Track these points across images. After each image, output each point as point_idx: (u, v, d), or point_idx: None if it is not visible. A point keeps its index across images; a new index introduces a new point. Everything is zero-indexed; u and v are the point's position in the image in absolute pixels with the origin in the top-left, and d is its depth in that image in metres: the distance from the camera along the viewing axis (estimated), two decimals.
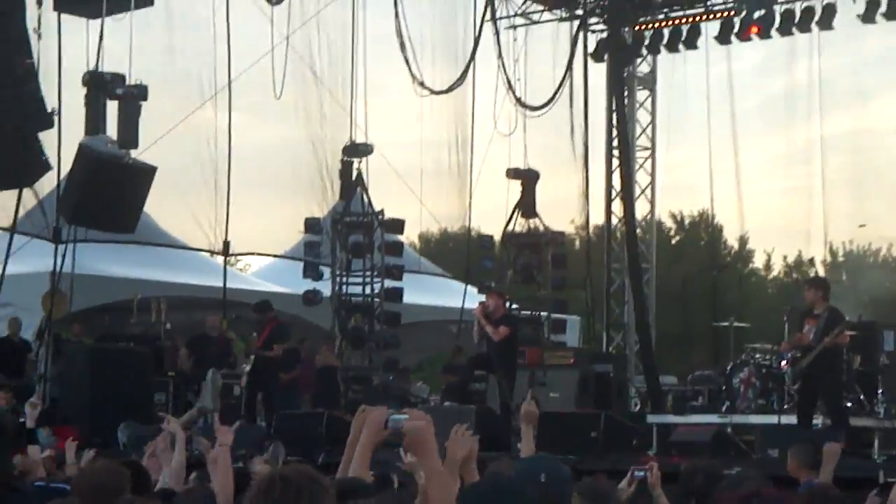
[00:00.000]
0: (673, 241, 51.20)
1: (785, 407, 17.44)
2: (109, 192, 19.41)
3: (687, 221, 52.05)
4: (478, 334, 18.48)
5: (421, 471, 5.27)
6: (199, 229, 23.47)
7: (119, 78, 19.78)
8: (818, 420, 16.61)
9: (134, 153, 20.04)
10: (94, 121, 19.68)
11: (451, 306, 25.75)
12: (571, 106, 26.47)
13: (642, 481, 7.95)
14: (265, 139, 30.26)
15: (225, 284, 23.14)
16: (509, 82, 25.84)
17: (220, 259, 24.27)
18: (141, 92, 19.84)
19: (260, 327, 21.06)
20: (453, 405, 18.74)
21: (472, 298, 23.06)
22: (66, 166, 20.08)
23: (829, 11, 24.31)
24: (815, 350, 15.75)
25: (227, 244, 23.51)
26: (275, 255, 28.80)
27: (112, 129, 19.68)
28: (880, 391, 18.07)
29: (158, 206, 23.35)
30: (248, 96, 24.82)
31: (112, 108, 19.73)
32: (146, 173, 19.98)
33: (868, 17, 23.82)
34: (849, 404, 17.30)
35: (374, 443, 6.02)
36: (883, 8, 23.63)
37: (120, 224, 20.62)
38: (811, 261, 21.99)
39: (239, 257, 27.96)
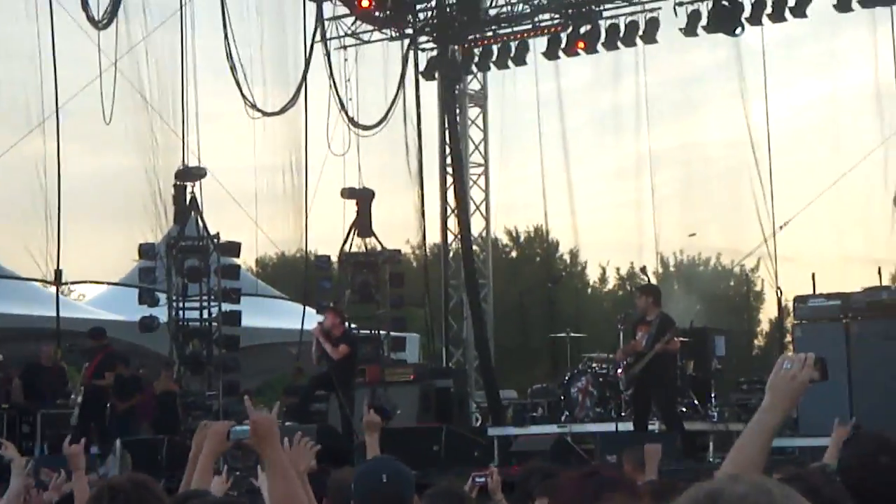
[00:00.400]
0: (509, 257, 51.71)
1: (622, 414, 17.74)
2: None
3: (522, 237, 52.61)
4: (316, 353, 18.50)
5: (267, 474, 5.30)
6: (31, 259, 23.05)
7: None
8: (654, 425, 16.94)
9: None
10: None
11: (290, 328, 25.67)
12: (405, 124, 26.62)
13: (483, 487, 8.03)
14: (96, 166, 29.89)
15: (58, 313, 22.74)
16: (341, 102, 25.88)
17: (52, 288, 23.86)
18: None
19: (90, 356, 20.79)
20: (294, 424, 18.68)
21: (311, 319, 23.00)
22: None
23: (653, 25, 24.81)
24: (647, 356, 16.07)
25: (58, 273, 23.12)
26: (108, 283, 28.41)
27: None
28: (713, 395, 18.51)
29: None
30: (78, 123, 24.51)
31: None
32: None
33: (690, 30, 24.37)
34: (683, 409, 17.67)
35: (217, 453, 6.06)
36: (703, 21, 24.19)
37: None
38: (644, 269, 22.29)
39: (73, 286, 27.55)
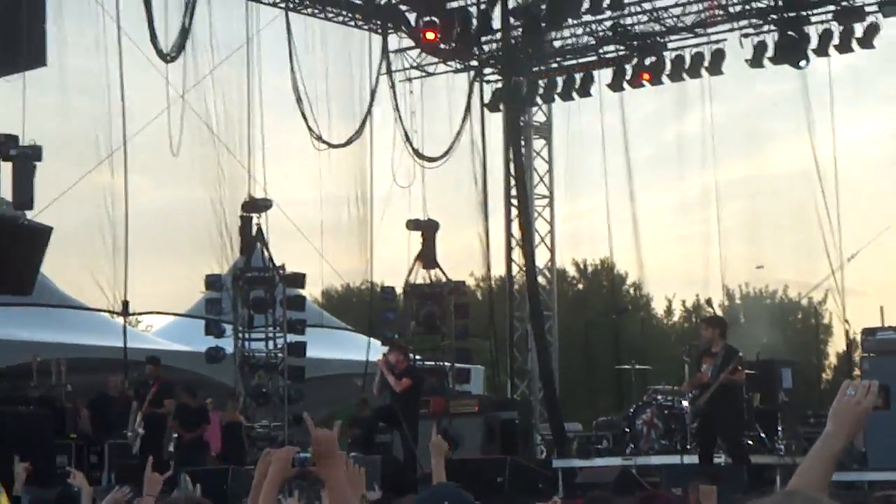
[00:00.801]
0: (575, 289, 51.61)
1: (688, 447, 17.60)
2: (5, 255, 19.20)
3: (588, 269, 52.51)
4: (378, 386, 18.55)
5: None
6: (98, 290, 23.25)
7: (12, 139, 19.61)
8: (720, 458, 16.81)
9: (29, 214, 19.87)
10: None
11: (355, 359, 25.73)
12: (471, 156, 26.67)
13: None
14: (163, 198, 30.16)
15: (125, 344, 22.93)
16: (406, 134, 25.99)
17: (120, 319, 24.05)
18: (35, 153, 19.67)
19: (145, 387, 20.95)
20: (359, 455, 18.72)
21: (376, 351, 23.08)
22: None
23: (718, 57, 24.76)
24: (712, 387, 15.94)
25: (126, 304, 23.30)
26: (175, 314, 28.60)
27: (6, 191, 19.51)
28: (780, 428, 18.34)
29: (56, 268, 23.15)
30: (145, 156, 24.72)
31: (6, 169, 19.55)
32: (42, 234, 19.81)
33: (756, 61, 24.29)
34: (749, 442, 17.52)
35: (281, 480, 6.08)
36: (769, 52, 24.10)
37: (16, 286, 20.39)
38: (709, 301, 22.21)
39: (140, 317, 27.75)
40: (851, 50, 23.77)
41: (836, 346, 45.84)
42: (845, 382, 4.19)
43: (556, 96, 26.71)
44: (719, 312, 25.12)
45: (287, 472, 5.96)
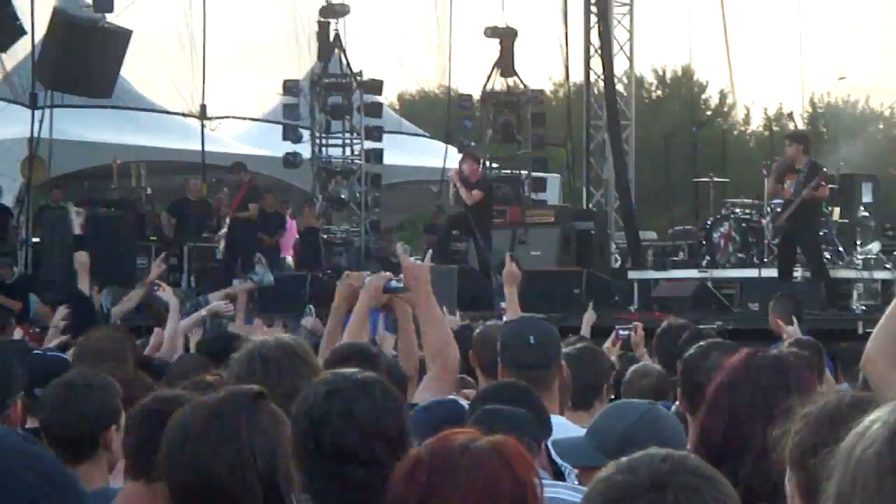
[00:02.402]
0: (653, 97, 51.10)
1: (765, 260, 17.53)
2: (85, 57, 19.24)
3: (668, 77, 51.89)
4: (454, 197, 18.56)
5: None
6: (177, 93, 23.32)
7: None
8: (798, 273, 16.76)
9: (109, 17, 19.84)
10: None
11: (431, 166, 25.74)
12: None
13: (626, 340, 8.04)
14: (242, 3, 29.96)
15: (203, 147, 23.04)
16: None
17: (197, 123, 24.15)
18: None
19: (234, 190, 21.07)
20: (435, 265, 18.82)
21: (453, 158, 23.05)
22: (41, 31, 19.88)
23: None
24: (794, 203, 15.78)
25: (203, 107, 23.41)
26: (252, 119, 28.66)
27: None
28: (859, 243, 18.21)
29: (135, 71, 23.19)
30: None
31: None
32: (122, 37, 19.82)
33: None
34: (828, 256, 17.43)
35: (369, 306, 6.13)
36: None
37: (97, 88, 20.49)
38: (791, 114, 21.84)
39: (218, 121, 27.82)
40: None
41: None
42: None
43: None
44: (801, 125, 24.72)
45: (378, 299, 6.00)
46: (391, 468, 2.91)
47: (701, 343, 5.06)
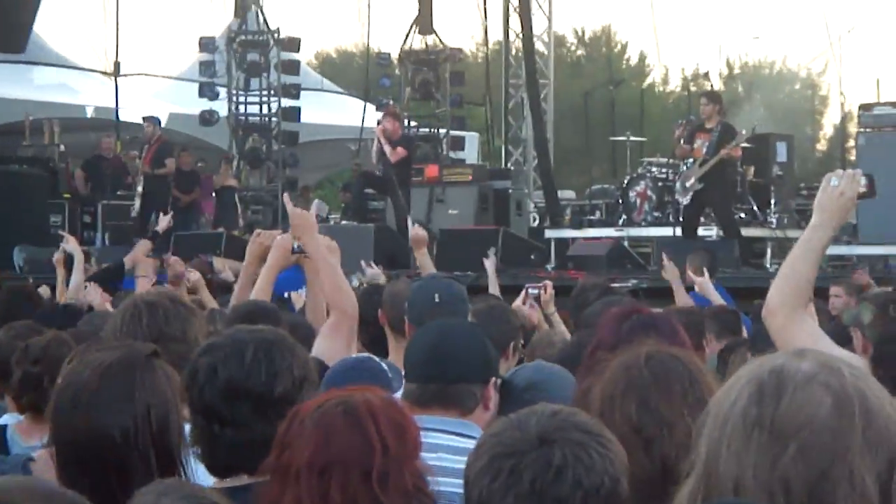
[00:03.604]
0: (573, 57, 51.20)
1: (680, 220, 17.63)
2: None
3: (588, 37, 52.01)
4: (377, 155, 18.49)
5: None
6: (91, 49, 23.04)
7: None
8: (711, 231, 16.88)
9: None
10: None
11: (350, 125, 25.64)
12: None
13: (536, 299, 8.02)
14: None
15: (117, 104, 22.74)
16: None
17: (111, 80, 23.86)
18: None
19: (144, 146, 20.84)
20: (352, 224, 18.80)
21: (371, 117, 22.98)
22: None
23: None
24: (709, 162, 15.87)
25: (117, 65, 23.11)
26: (167, 77, 28.38)
27: None
28: (773, 202, 18.37)
29: (48, 26, 22.87)
30: None
31: None
32: None
33: None
34: (742, 215, 17.57)
35: (280, 267, 6.11)
36: None
37: (9, 44, 20.18)
38: (707, 74, 22.00)
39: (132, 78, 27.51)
40: None
41: (832, 118, 45.79)
42: (828, 174, 4.18)
43: None
44: (718, 83, 24.91)
45: (286, 258, 6.00)
46: (261, 429, 2.99)
47: (596, 302, 5.07)
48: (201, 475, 3.24)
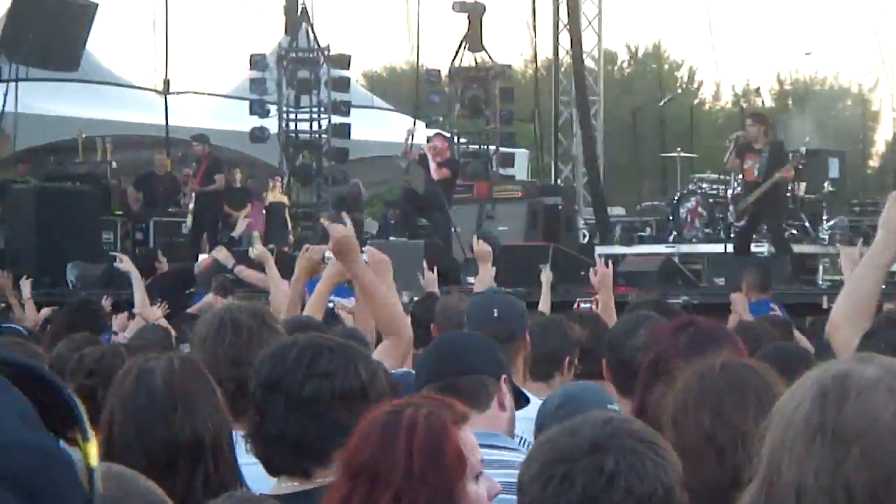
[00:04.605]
0: (623, 73, 51.14)
1: (731, 236, 17.56)
2: (51, 30, 19.14)
3: (640, 53, 51.94)
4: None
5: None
6: (142, 67, 23.21)
7: None
8: (763, 247, 16.79)
9: None
10: None
11: (399, 141, 25.59)
12: None
13: (589, 311, 8.00)
14: None
15: (167, 122, 22.87)
16: None
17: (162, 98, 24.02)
18: None
19: (195, 163, 20.95)
20: (402, 240, 18.81)
21: (421, 133, 23.01)
22: (5, 3, 19.74)
23: None
24: (761, 188, 15.72)
25: (167, 82, 23.27)
26: (217, 94, 28.53)
27: None
28: (825, 218, 18.26)
29: (101, 44, 23.07)
30: None
31: None
32: (88, 10, 19.72)
33: None
34: (794, 231, 17.47)
35: (334, 282, 6.11)
36: None
37: (63, 61, 20.39)
38: (758, 90, 21.94)
39: (184, 95, 27.68)
40: None
41: (884, 133, 45.48)
42: (893, 193, 4.15)
43: None
44: (769, 100, 24.81)
45: (340, 274, 5.98)
46: (295, 426, 3.15)
47: (627, 317, 5.04)
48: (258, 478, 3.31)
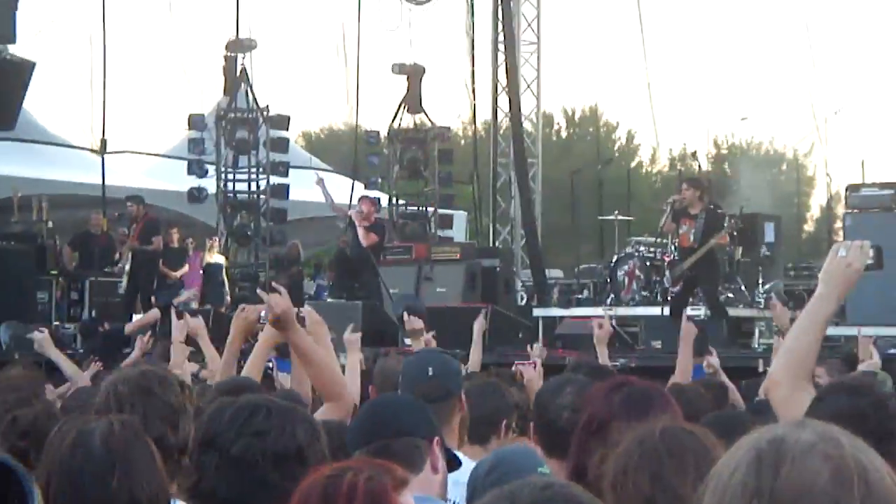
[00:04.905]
0: (561, 137, 51.45)
1: (668, 299, 17.63)
2: None
3: (577, 116, 52.29)
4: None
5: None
6: (79, 126, 23.13)
7: None
8: (700, 311, 16.86)
9: (11, 48, 19.60)
10: None
11: (338, 202, 25.63)
12: None
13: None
14: (147, 38, 29.84)
15: (104, 182, 22.73)
16: None
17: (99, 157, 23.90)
18: None
19: (130, 223, 20.85)
20: (339, 301, 18.78)
21: (359, 195, 23.05)
22: None
23: None
24: (698, 252, 15.81)
25: (104, 142, 23.17)
26: (155, 154, 28.45)
27: None
28: (761, 281, 18.39)
29: (37, 103, 22.93)
30: None
31: None
32: (25, 68, 19.56)
33: None
34: (730, 295, 17.57)
35: (271, 343, 6.06)
36: None
37: None
38: (694, 154, 22.12)
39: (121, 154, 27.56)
40: None
41: (819, 198, 45.98)
42: (836, 244, 4.16)
43: None
44: (705, 163, 25.03)
45: (253, 329, 5.95)
46: (227, 484, 3.10)
47: (554, 378, 5.02)
48: None
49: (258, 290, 5.86)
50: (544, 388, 4.89)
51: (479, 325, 9.57)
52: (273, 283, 5.98)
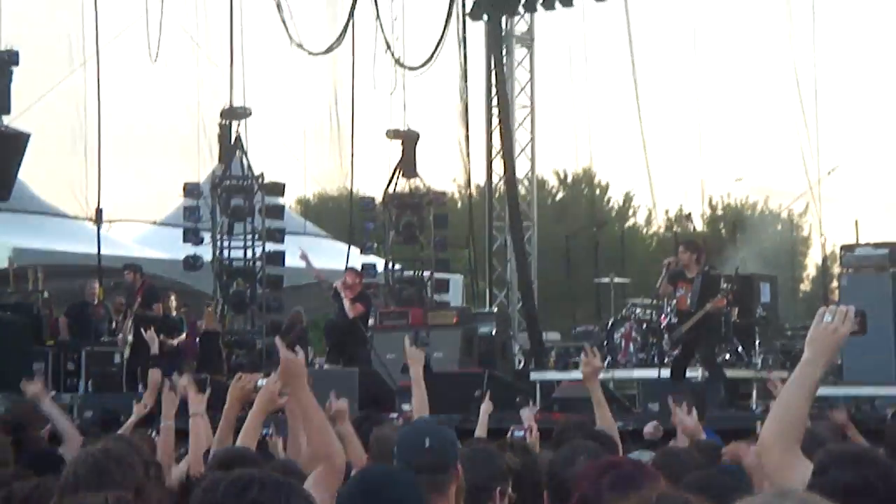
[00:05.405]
0: (556, 199, 51.55)
1: (665, 360, 17.64)
2: None
3: (570, 179, 52.38)
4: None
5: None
6: (73, 197, 23.18)
7: None
8: (697, 372, 16.84)
9: (6, 119, 19.69)
10: None
11: (334, 269, 25.64)
12: (455, 65, 26.46)
13: (522, 441, 7.94)
14: (141, 104, 29.94)
15: (99, 251, 22.78)
16: (388, 42, 25.71)
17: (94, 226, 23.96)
18: (12, 57, 19.45)
19: (129, 293, 20.83)
20: (335, 368, 18.77)
21: (355, 261, 23.10)
22: None
23: None
24: (695, 316, 15.81)
25: (99, 211, 23.21)
26: (150, 222, 28.49)
27: None
28: (757, 342, 18.38)
29: (32, 173, 22.97)
30: (123, 61, 24.47)
31: None
32: (19, 140, 19.64)
33: None
34: (727, 356, 17.55)
35: (267, 411, 6.05)
36: None
37: None
38: (689, 215, 22.17)
39: (116, 224, 27.61)
40: None
41: (815, 258, 46.02)
42: (821, 309, 4.18)
43: (538, 6, 26.36)
44: (700, 226, 25.09)
45: (273, 403, 5.94)
46: None
47: (565, 447, 5.00)
48: None
49: (276, 339, 5.86)
50: (555, 459, 4.87)
51: (485, 408, 9.54)
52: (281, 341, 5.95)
